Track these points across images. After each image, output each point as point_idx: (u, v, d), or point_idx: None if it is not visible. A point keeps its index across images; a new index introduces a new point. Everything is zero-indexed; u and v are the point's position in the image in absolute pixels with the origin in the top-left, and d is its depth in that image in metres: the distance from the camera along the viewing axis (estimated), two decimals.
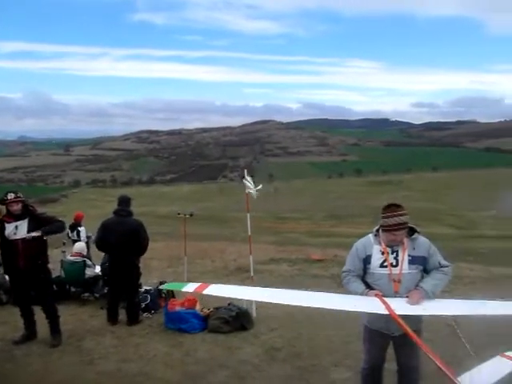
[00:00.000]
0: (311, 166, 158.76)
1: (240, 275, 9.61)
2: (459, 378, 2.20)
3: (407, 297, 2.74)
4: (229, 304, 5.17)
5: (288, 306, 5.11)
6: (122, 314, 5.42)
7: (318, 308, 3.07)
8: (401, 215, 2.77)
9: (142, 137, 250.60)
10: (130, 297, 5.38)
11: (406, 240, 2.85)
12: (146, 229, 5.39)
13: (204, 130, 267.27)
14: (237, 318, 4.95)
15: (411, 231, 2.89)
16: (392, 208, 2.81)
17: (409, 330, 2.44)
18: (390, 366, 3.23)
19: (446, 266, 2.91)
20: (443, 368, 2.21)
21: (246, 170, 5.61)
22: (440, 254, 2.94)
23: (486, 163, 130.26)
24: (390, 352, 3.11)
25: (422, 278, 2.89)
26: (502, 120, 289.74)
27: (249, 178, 5.38)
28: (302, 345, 4.58)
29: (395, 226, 2.76)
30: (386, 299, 2.66)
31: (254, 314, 5.34)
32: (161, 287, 5.82)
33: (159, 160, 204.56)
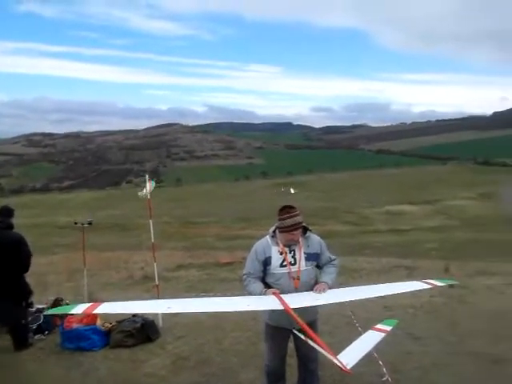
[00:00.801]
0: (219, 169, 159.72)
1: (146, 284, 9.28)
2: (338, 357, 2.37)
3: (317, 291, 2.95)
4: (133, 315, 4.94)
5: (196, 313, 5.02)
6: (9, 340, 4.85)
7: (221, 312, 3.09)
8: (296, 216, 2.95)
9: (34, 140, 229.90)
10: (14, 319, 4.81)
11: (301, 239, 3.03)
12: (28, 242, 4.89)
13: (105, 133, 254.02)
14: (142, 330, 4.72)
15: (304, 230, 3.07)
16: (287, 210, 2.97)
17: (299, 320, 2.57)
18: (291, 360, 3.35)
19: (335, 259, 3.18)
20: (324, 350, 2.40)
21: (147, 175, 5.38)
22: (327, 249, 3.18)
23: (378, 164, 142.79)
24: (291, 346, 3.22)
25: (315, 272, 3.11)
26: (390, 124, 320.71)
27: (148, 183, 5.17)
28: (210, 350, 4.54)
29: (293, 226, 2.92)
30: (282, 295, 2.78)
31: (160, 323, 5.16)
32: (46, 313, 5.19)
33: (55, 165, 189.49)
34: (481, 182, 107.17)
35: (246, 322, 5.15)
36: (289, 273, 2.96)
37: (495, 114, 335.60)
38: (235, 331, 5.00)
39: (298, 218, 2.95)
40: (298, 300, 2.78)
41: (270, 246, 3.02)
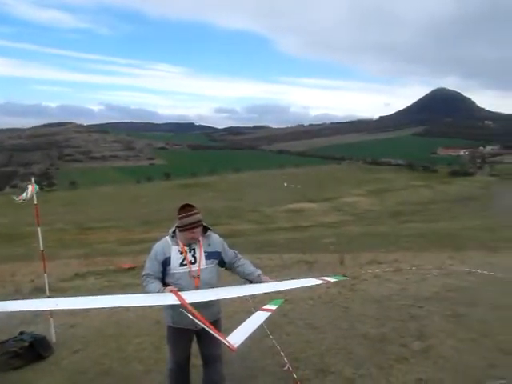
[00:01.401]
0: (118, 171, 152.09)
1: (37, 298, 8.48)
2: (228, 338, 2.46)
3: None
4: (20, 333, 4.49)
5: (96, 322, 4.73)
6: None
7: (114, 307, 2.97)
8: (195, 214, 2.97)
9: None
10: None
11: (201, 238, 3.06)
12: None
13: None
14: (31, 348, 4.29)
15: (205, 229, 3.11)
16: (187, 208, 2.99)
17: (191, 309, 2.58)
18: (197, 360, 3.35)
19: (238, 253, 3.28)
20: (214, 332, 2.47)
21: (33, 178, 4.90)
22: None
23: (279, 164, 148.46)
24: (196, 347, 3.21)
25: (218, 271, 3.15)
26: (290, 126, 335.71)
27: (30, 187, 4.71)
28: (112, 360, 4.32)
29: (192, 224, 2.94)
30: (180, 293, 2.78)
31: (53, 338, 4.77)
32: None
33: None
34: (369, 180, 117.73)
35: (149, 327, 5.01)
36: (189, 272, 2.97)
37: (381, 117, 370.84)
38: (139, 337, 4.83)
39: (198, 217, 2.97)
40: (196, 296, 2.80)
41: (169, 246, 3.01)
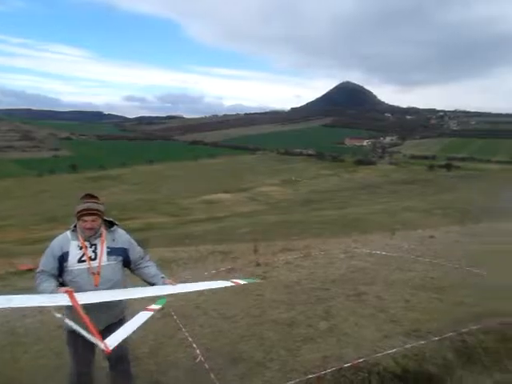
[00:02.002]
0: (15, 163, 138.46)
1: None
2: (106, 340, 2.36)
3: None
4: None
5: None
6: None
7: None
8: (92, 202, 2.83)
9: None
10: None
11: (104, 233, 2.91)
12: None
13: None
14: None
15: (111, 224, 2.97)
16: (86, 197, 2.86)
17: (83, 315, 2.42)
18: (105, 362, 3.22)
19: (147, 255, 3.16)
20: (90, 334, 2.35)
21: None
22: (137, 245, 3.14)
23: (193, 155, 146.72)
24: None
25: (122, 269, 3.01)
26: (204, 116, 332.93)
27: None
28: (6, 372, 3.94)
29: (84, 210, 2.79)
30: (76, 294, 2.61)
31: None
32: None
33: None
34: (283, 170, 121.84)
35: (49, 333, 4.68)
36: (88, 268, 2.79)
37: (292, 109, 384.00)
38: (37, 344, 4.49)
39: (93, 205, 2.82)
40: (94, 297, 2.66)
41: (68, 241, 2.83)
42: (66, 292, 2.61)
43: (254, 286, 6.36)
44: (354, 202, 66.94)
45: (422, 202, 58.10)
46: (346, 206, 61.40)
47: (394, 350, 3.73)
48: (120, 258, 2.96)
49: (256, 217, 58.25)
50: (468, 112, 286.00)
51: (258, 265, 7.94)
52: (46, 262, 2.82)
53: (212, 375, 3.52)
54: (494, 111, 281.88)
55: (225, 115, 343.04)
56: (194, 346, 3.93)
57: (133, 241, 3.06)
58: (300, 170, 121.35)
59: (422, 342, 3.89)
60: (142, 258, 3.07)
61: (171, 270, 9.63)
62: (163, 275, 3.06)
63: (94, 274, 2.80)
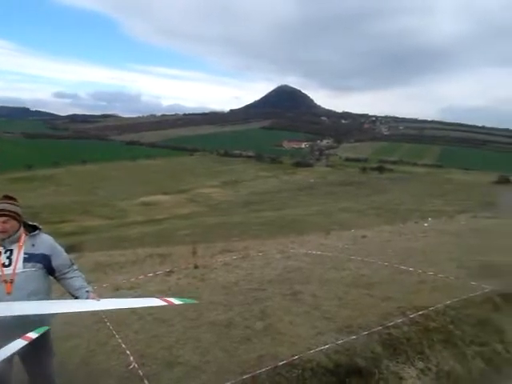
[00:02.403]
0: None
1: None
2: None
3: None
4: None
5: None
6: None
7: None
8: (7, 204, 2.66)
9: None
10: None
11: (24, 237, 2.72)
12: None
13: None
14: None
15: (33, 229, 2.79)
16: (3, 198, 2.68)
17: None
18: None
19: (74, 265, 2.95)
20: None
21: None
22: (65, 252, 2.94)
23: (130, 155, 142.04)
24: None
25: (46, 277, 2.80)
26: (141, 115, 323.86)
27: None
28: None
29: (3, 214, 2.61)
30: None
31: None
32: None
33: None
34: (223, 172, 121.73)
35: None
36: (0, 275, 2.58)
37: (232, 110, 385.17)
38: None
39: (7, 206, 2.63)
40: (3, 309, 2.44)
41: None
42: None
43: (191, 288, 6.31)
44: (293, 204, 68.55)
45: (356, 203, 60.90)
46: (285, 208, 62.72)
47: (327, 346, 3.88)
48: (39, 266, 2.72)
49: (195, 219, 57.70)
50: (397, 118, 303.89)
51: (196, 267, 7.88)
52: None
53: (146, 382, 3.44)
54: (420, 117, 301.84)
55: (163, 115, 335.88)
56: (128, 352, 3.82)
57: (58, 247, 2.86)
58: (239, 172, 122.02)
59: (353, 337, 4.08)
60: (69, 267, 2.86)
61: (106, 275, 9.29)
62: (88, 288, 2.84)
63: (6, 281, 2.59)
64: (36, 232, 2.78)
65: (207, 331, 4.44)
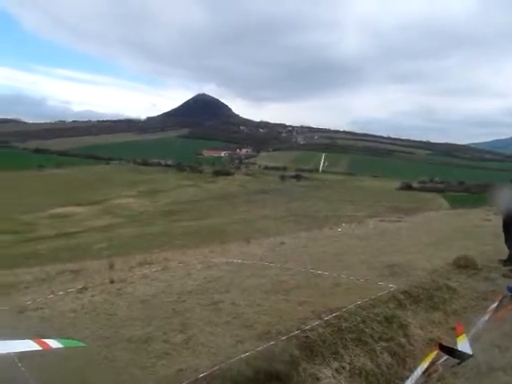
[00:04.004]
0: None
1: None
2: None
3: None
4: None
5: None
6: None
7: None
8: None
9: None
10: None
11: None
12: None
13: None
14: None
15: None
16: None
17: None
18: None
19: None
20: None
21: None
22: None
23: (36, 164, 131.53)
24: None
25: None
26: (48, 121, 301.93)
27: None
28: None
29: None
30: None
31: None
32: None
33: None
34: (140, 181, 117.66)
35: None
36: None
37: (148, 118, 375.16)
38: None
39: None
40: None
41: None
42: None
43: (106, 305, 5.99)
44: (214, 212, 68.45)
45: (276, 211, 62.56)
46: (207, 217, 62.43)
47: (247, 354, 3.92)
48: None
49: (112, 231, 55.03)
50: (312, 128, 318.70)
51: (113, 282, 7.52)
52: None
53: None
54: (332, 128, 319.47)
55: (74, 121, 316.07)
56: (32, 382, 3.50)
57: None
58: (158, 181, 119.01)
59: (272, 343, 4.17)
60: None
61: (8, 296, 8.48)
62: None
63: None
64: None
65: (123, 349, 4.25)
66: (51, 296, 6.88)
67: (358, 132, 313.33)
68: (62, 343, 2.64)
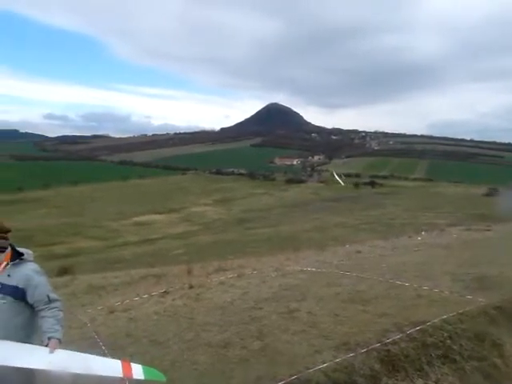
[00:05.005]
0: None
1: None
2: None
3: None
4: None
5: None
6: None
7: None
8: None
9: None
10: None
11: (3, 265, 2.61)
12: None
13: None
14: None
15: (17, 256, 2.67)
16: None
17: None
18: None
19: (57, 300, 2.69)
20: None
21: None
22: (49, 286, 2.72)
23: (122, 175, 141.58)
24: None
25: (16, 310, 2.61)
26: (132, 135, 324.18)
27: None
28: None
29: None
30: None
31: None
32: None
33: None
34: (215, 190, 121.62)
35: None
36: None
37: (222, 129, 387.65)
38: None
39: None
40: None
41: None
42: None
43: (186, 309, 6.23)
44: (287, 220, 68.46)
45: (350, 219, 60.96)
46: (279, 224, 62.57)
47: (326, 365, 3.84)
48: (9, 298, 2.56)
49: (190, 238, 57.28)
50: (386, 133, 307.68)
51: (191, 287, 7.82)
52: None
53: None
54: (408, 132, 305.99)
55: (154, 135, 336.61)
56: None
57: (35, 281, 2.62)
58: (232, 190, 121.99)
59: (351, 355, 4.04)
60: (45, 304, 2.59)
61: (100, 297, 9.17)
62: (53, 334, 2.49)
63: None
64: (16, 261, 2.64)
65: (203, 353, 4.38)
66: (137, 298, 7.31)
67: (436, 135, 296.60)
68: (144, 372, 2.56)
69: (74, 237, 63.16)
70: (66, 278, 12.16)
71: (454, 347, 4.33)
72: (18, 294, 2.58)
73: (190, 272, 11.15)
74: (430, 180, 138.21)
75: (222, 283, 8.04)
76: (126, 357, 4.44)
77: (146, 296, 7.49)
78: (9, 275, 2.57)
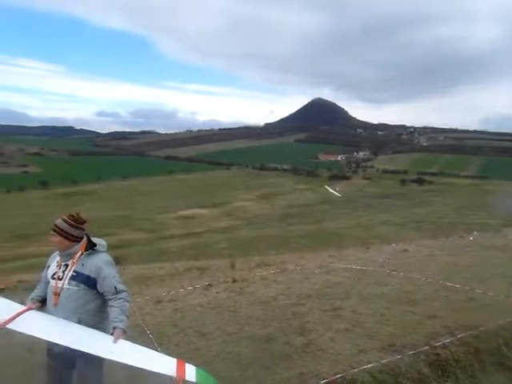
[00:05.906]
0: None
1: None
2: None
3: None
4: None
5: None
6: None
7: None
8: (61, 219, 2.77)
9: None
10: None
11: (78, 255, 2.76)
12: None
13: None
14: None
15: (91, 246, 2.80)
16: (67, 216, 2.82)
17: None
18: None
19: (124, 291, 2.77)
20: None
21: None
22: (118, 277, 2.81)
23: (168, 170, 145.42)
24: None
25: (89, 297, 2.74)
26: (178, 131, 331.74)
27: None
28: None
29: (51, 228, 2.77)
30: (26, 313, 2.62)
31: None
32: None
33: None
34: (258, 185, 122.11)
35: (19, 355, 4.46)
36: (54, 286, 2.73)
37: (266, 124, 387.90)
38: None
39: (57, 222, 2.75)
40: (41, 326, 2.55)
41: (56, 256, 2.86)
42: (29, 307, 2.69)
43: (230, 302, 6.30)
44: (330, 216, 67.64)
45: (395, 216, 59.27)
46: (322, 220, 61.96)
47: (371, 365, 3.75)
48: (83, 286, 2.70)
49: (232, 232, 58.01)
50: (436, 128, 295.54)
51: (235, 281, 7.90)
52: (43, 269, 2.92)
53: None
54: (459, 128, 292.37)
55: (199, 130, 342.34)
56: None
57: (105, 272, 2.73)
58: (275, 185, 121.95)
59: (398, 357, 3.92)
60: (112, 295, 2.70)
61: (147, 287, 9.48)
62: (117, 324, 2.58)
63: (55, 293, 2.73)
64: (90, 251, 2.78)
65: (247, 346, 4.40)
66: (181, 290, 7.49)
67: (491, 131, 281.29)
68: (197, 376, 2.42)
69: (124, 228, 65.78)
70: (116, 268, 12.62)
71: (510, 355, 4.09)
72: (90, 283, 2.72)
73: (232, 266, 11.28)
74: (484, 178, 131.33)
75: (264, 278, 8.06)
76: (172, 345, 4.58)
77: (190, 288, 7.65)
78: (83, 264, 2.73)
